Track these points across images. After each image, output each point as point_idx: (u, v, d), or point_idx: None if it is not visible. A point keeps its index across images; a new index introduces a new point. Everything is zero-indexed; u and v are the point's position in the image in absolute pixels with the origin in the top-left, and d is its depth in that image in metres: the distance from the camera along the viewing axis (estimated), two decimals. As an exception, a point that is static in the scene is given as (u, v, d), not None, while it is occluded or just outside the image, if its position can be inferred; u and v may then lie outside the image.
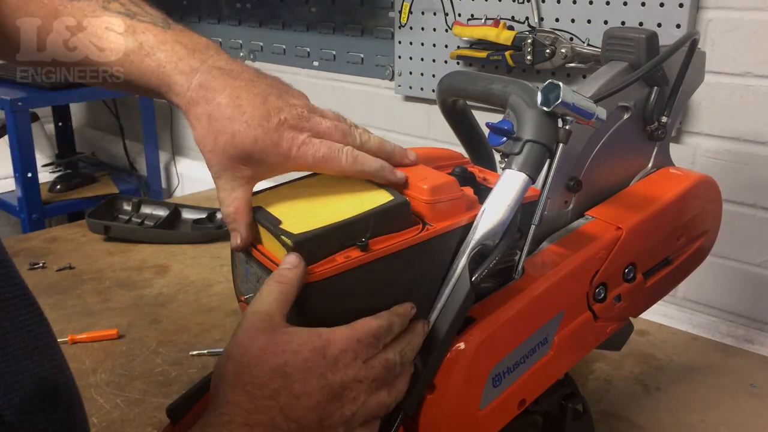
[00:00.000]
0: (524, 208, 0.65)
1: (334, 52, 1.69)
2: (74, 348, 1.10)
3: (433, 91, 0.82)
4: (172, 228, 1.58)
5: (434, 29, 1.44)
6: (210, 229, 1.57)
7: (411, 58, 1.49)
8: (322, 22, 1.70)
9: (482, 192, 0.67)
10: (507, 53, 1.29)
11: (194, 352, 1.08)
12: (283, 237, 0.57)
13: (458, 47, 1.39)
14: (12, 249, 1.47)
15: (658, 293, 0.87)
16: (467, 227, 0.64)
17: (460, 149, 0.84)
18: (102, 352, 1.09)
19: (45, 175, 2.26)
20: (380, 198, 0.62)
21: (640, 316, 0.88)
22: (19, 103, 1.89)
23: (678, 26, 1.12)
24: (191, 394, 0.65)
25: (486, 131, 0.71)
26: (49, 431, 0.48)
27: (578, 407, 0.85)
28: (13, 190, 2.12)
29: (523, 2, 1.29)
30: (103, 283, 1.33)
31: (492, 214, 0.63)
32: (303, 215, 0.60)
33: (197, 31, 0.64)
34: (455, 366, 0.65)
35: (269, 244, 0.61)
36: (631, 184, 0.88)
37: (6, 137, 1.99)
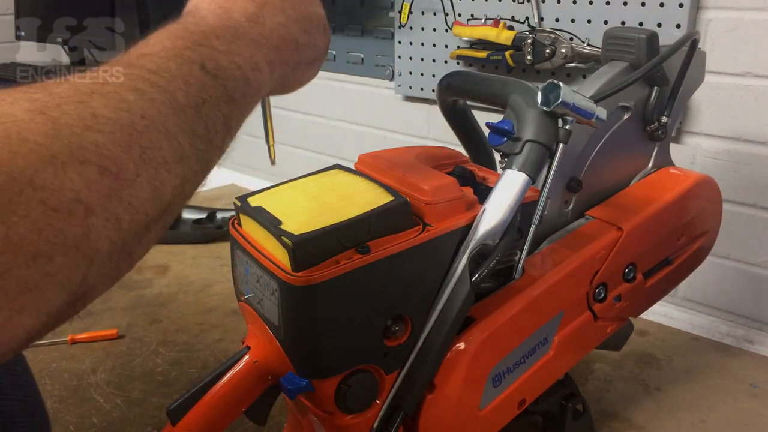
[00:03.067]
0: (524, 208, 0.65)
1: (334, 52, 1.69)
2: (74, 348, 1.10)
3: (433, 91, 0.82)
4: (172, 228, 1.57)
5: (434, 29, 1.44)
6: (210, 229, 1.57)
7: (411, 58, 1.49)
8: (322, 22, 1.70)
9: (482, 192, 0.67)
10: (507, 53, 1.29)
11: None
12: (283, 237, 0.57)
13: (458, 47, 1.39)
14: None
15: (658, 293, 0.87)
16: (467, 227, 0.64)
17: (460, 149, 0.84)
18: (102, 352, 1.09)
19: (45, 175, 2.26)
20: (380, 198, 0.62)
21: (640, 316, 0.88)
22: (19, 103, 1.89)
23: (678, 26, 1.12)
24: (191, 394, 0.65)
25: (486, 131, 0.71)
26: None
27: (578, 407, 0.85)
28: (13, 190, 2.11)
29: (523, 2, 1.29)
30: (103, 283, 1.33)
31: (492, 214, 0.63)
32: (303, 215, 0.60)
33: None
34: (455, 366, 0.65)
35: (269, 244, 0.60)
36: (631, 184, 0.88)
37: (6, 137, 1.99)
